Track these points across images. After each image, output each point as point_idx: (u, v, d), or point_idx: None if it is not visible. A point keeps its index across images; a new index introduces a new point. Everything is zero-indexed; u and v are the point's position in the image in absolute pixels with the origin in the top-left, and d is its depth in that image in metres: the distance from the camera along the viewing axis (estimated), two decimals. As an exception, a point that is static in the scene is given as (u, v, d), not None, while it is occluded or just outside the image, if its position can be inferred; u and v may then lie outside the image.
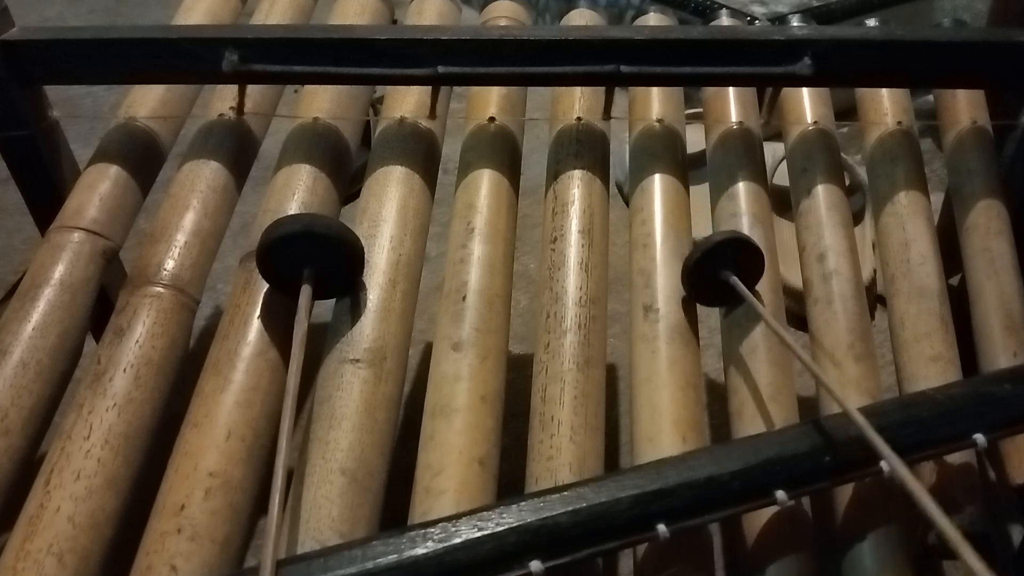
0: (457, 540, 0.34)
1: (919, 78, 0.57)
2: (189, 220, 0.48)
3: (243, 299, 0.44)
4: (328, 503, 0.38)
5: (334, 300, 0.45)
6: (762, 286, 0.47)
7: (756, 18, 1.05)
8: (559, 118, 0.55)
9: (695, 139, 0.57)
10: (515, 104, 0.56)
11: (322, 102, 0.54)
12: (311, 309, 0.41)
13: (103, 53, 0.52)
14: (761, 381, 0.44)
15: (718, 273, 0.45)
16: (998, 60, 0.52)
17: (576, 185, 0.51)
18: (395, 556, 0.33)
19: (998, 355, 0.48)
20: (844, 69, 0.52)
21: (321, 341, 0.44)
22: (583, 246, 0.48)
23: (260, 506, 0.40)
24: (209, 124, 0.54)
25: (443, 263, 0.48)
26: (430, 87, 0.53)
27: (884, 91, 0.57)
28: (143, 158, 0.53)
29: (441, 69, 0.50)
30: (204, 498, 0.37)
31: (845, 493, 0.42)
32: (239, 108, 0.54)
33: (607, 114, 0.54)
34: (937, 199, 0.64)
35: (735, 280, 0.44)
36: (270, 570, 0.32)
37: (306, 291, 0.41)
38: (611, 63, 0.50)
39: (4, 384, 0.42)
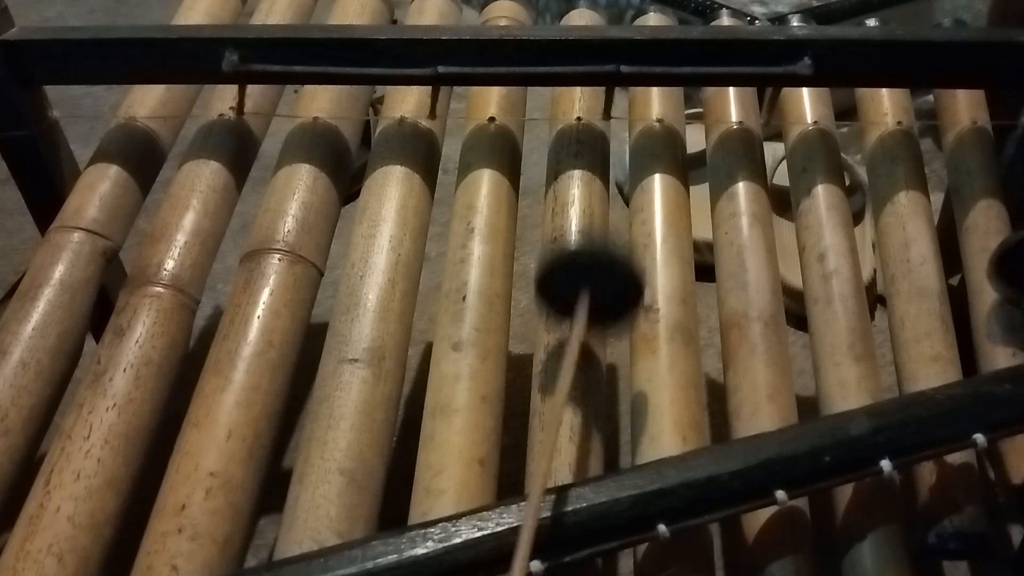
0: (457, 540, 0.34)
1: (919, 78, 0.57)
2: (189, 220, 0.48)
3: (243, 299, 0.44)
4: (326, 503, 0.38)
5: (333, 299, 0.45)
6: (761, 286, 0.47)
7: (756, 18, 1.05)
8: (559, 118, 0.55)
9: (695, 139, 0.57)
10: (515, 104, 0.56)
11: (322, 102, 0.54)
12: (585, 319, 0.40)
13: (103, 53, 0.52)
14: (760, 381, 0.44)
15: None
16: (998, 60, 0.52)
17: (576, 185, 0.51)
18: (395, 556, 0.33)
19: (998, 355, 0.48)
20: (844, 69, 0.52)
21: (320, 341, 0.44)
22: (583, 246, 0.48)
23: (261, 506, 0.40)
24: (209, 124, 0.54)
25: (443, 263, 0.48)
26: (430, 87, 0.53)
27: (884, 91, 0.57)
28: (143, 158, 0.53)
29: (441, 69, 0.50)
30: (205, 498, 0.37)
31: (845, 493, 0.42)
32: (239, 108, 0.54)
33: (607, 114, 0.54)
34: (937, 199, 0.64)
35: None
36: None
37: (583, 302, 0.40)
38: (611, 63, 0.50)
39: (4, 384, 0.42)
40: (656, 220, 0.50)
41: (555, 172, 0.52)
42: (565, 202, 0.50)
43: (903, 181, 0.53)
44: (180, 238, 0.48)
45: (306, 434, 0.40)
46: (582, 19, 0.61)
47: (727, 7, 1.05)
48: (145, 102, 0.55)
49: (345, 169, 0.53)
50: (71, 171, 0.57)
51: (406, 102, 0.54)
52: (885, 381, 0.46)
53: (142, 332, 0.43)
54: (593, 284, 0.40)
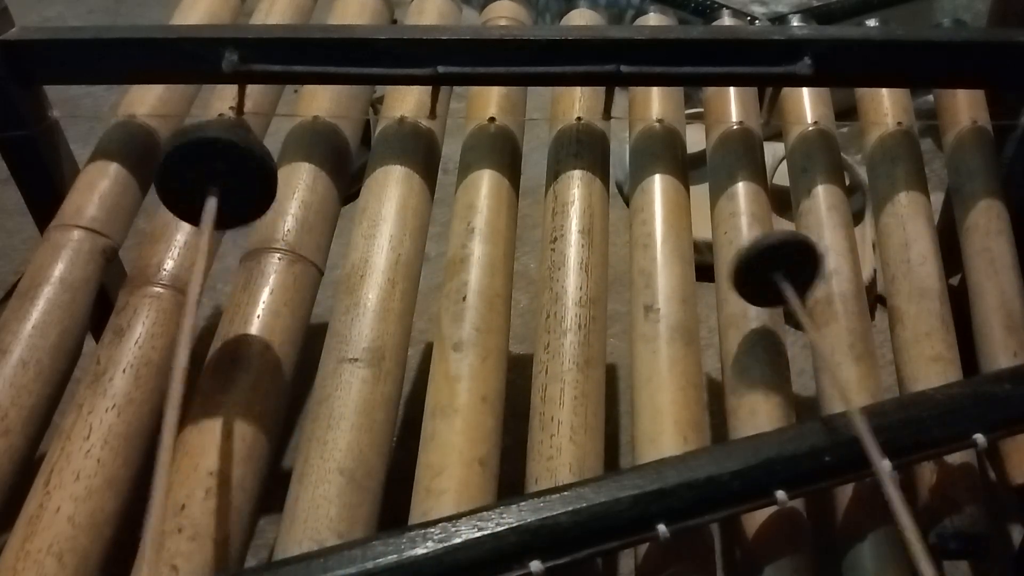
0: (457, 540, 0.34)
1: (919, 78, 0.57)
2: (189, 220, 0.48)
3: (243, 299, 0.44)
4: (326, 503, 0.38)
5: (333, 299, 0.45)
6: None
7: (756, 18, 1.05)
8: (559, 118, 0.55)
9: (695, 139, 0.57)
10: (515, 104, 0.56)
11: (322, 102, 0.54)
12: (214, 223, 0.38)
13: (103, 53, 0.52)
14: (759, 381, 0.44)
15: (769, 273, 0.42)
16: (998, 60, 0.52)
17: (576, 185, 0.51)
18: (395, 556, 0.33)
19: (998, 355, 0.48)
20: (844, 69, 0.52)
21: (320, 341, 0.44)
22: (583, 246, 0.48)
23: (261, 506, 0.40)
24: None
25: (443, 263, 0.48)
26: (430, 87, 0.53)
27: (884, 91, 0.57)
28: (143, 156, 0.53)
29: (441, 69, 0.50)
30: (204, 498, 0.37)
31: (845, 493, 0.42)
32: (239, 108, 0.54)
33: (607, 114, 0.54)
34: (937, 199, 0.64)
35: (785, 285, 0.42)
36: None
37: (211, 203, 0.38)
38: (611, 63, 0.50)
39: (4, 384, 0.42)
40: (656, 220, 0.50)
41: (555, 172, 0.52)
42: (565, 202, 0.50)
43: (903, 181, 0.53)
44: (180, 238, 0.48)
45: (306, 434, 0.40)
46: (582, 19, 0.61)
47: (727, 7, 1.05)
48: (145, 101, 0.55)
49: (345, 169, 0.53)
50: (71, 171, 0.57)
51: (406, 102, 0.54)
52: (885, 381, 0.46)
53: (142, 332, 0.43)
54: (221, 178, 0.38)
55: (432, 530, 0.34)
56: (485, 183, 0.50)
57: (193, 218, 0.39)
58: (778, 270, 0.42)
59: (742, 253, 0.42)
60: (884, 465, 0.35)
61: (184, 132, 0.38)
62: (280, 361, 0.43)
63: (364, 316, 0.44)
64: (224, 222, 0.39)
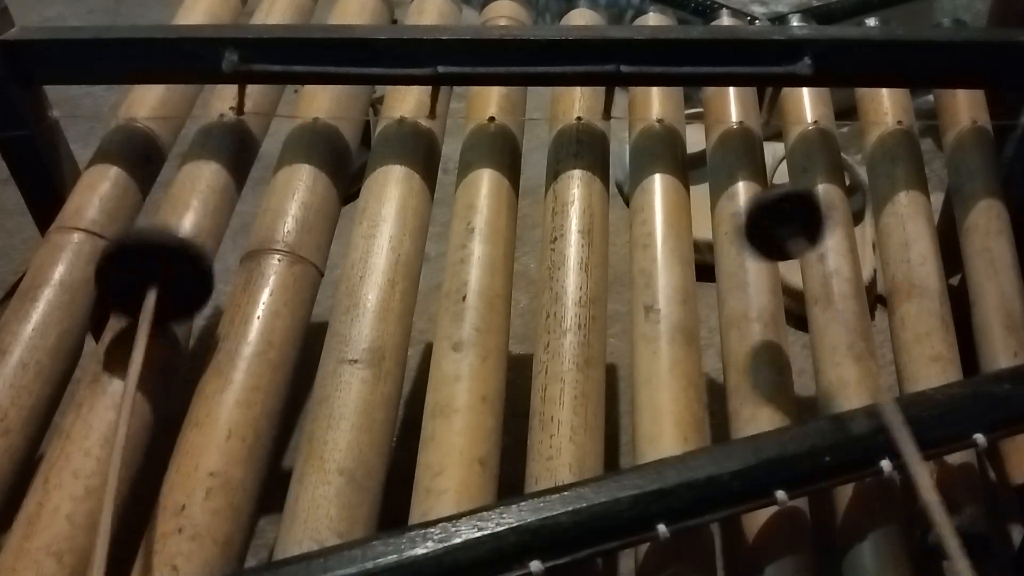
0: (457, 540, 0.34)
1: (919, 78, 0.57)
2: (189, 220, 0.48)
3: (243, 299, 0.44)
4: (326, 503, 0.38)
5: (333, 299, 0.45)
6: (761, 286, 0.47)
7: (756, 18, 1.05)
8: (559, 118, 0.55)
9: (695, 139, 0.57)
10: (515, 104, 0.56)
11: (322, 102, 0.54)
12: (152, 319, 0.39)
13: (103, 53, 0.52)
14: (760, 381, 0.44)
15: (778, 227, 0.41)
16: (998, 60, 0.52)
17: (576, 185, 0.51)
18: (395, 556, 0.33)
19: (998, 355, 0.48)
20: (844, 69, 0.52)
21: (320, 341, 0.44)
22: (583, 246, 0.48)
23: (261, 506, 0.40)
24: (209, 124, 0.54)
25: (443, 263, 0.48)
26: (430, 87, 0.53)
27: (884, 91, 0.57)
28: (143, 158, 0.53)
29: (441, 69, 0.50)
30: (205, 498, 0.37)
31: (845, 493, 0.42)
32: (239, 108, 0.54)
33: (607, 114, 0.54)
34: (937, 199, 0.64)
35: (794, 240, 0.41)
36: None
37: (150, 297, 0.39)
38: (611, 63, 0.50)
39: (4, 384, 0.42)
40: (656, 220, 0.50)
41: (555, 172, 0.52)
42: (565, 202, 0.50)
43: (903, 181, 0.53)
44: (180, 238, 0.48)
45: (306, 434, 0.40)
46: (582, 19, 0.61)
47: (727, 7, 1.05)
48: (145, 102, 0.55)
49: (345, 169, 0.53)
50: (71, 171, 0.57)
51: (406, 102, 0.54)
52: (885, 381, 0.46)
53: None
54: (159, 276, 0.39)
55: (432, 530, 0.34)
56: (485, 183, 0.50)
57: (133, 312, 0.40)
58: (786, 225, 0.41)
59: (749, 207, 0.42)
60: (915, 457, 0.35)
61: (121, 237, 0.40)
62: (280, 361, 0.43)
63: (364, 316, 0.44)
64: (164, 316, 0.41)
